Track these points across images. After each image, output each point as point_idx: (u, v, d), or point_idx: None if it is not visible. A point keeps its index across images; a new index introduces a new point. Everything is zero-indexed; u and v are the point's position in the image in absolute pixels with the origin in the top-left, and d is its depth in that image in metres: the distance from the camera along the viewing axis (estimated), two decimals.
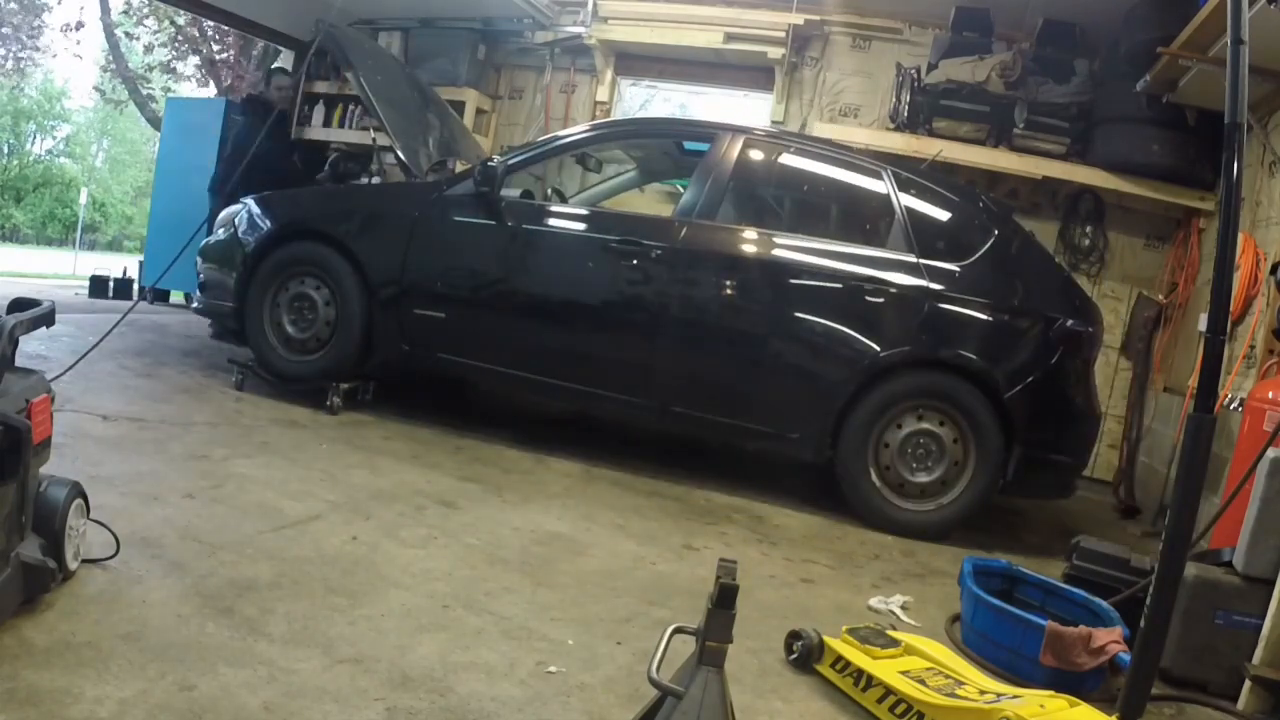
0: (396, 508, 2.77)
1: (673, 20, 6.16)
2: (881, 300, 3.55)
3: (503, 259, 3.88)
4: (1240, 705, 2.17)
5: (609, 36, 6.35)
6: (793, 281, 3.65)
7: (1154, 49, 4.33)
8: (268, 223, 4.12)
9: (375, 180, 6.11)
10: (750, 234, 3.81)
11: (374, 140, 6.19)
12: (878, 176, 3.84)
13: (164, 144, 7.88)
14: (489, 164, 3.85)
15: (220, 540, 2.23)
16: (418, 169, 4.29)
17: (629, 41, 6.35)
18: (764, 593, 2.58)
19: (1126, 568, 2.65)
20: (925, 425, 3.54)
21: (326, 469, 3.05)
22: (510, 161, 3.95)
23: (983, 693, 1.83)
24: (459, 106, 6.36)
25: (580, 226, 3.98)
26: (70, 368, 3.49)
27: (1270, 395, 3.05)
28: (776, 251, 3.74)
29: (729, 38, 6.02)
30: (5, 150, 31.90)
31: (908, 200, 3.76)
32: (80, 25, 19.04)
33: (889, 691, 1.86)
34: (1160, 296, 5.44)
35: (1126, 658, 2.02)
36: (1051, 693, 1.81)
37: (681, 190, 4.36)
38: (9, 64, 20.15)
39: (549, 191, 4.88)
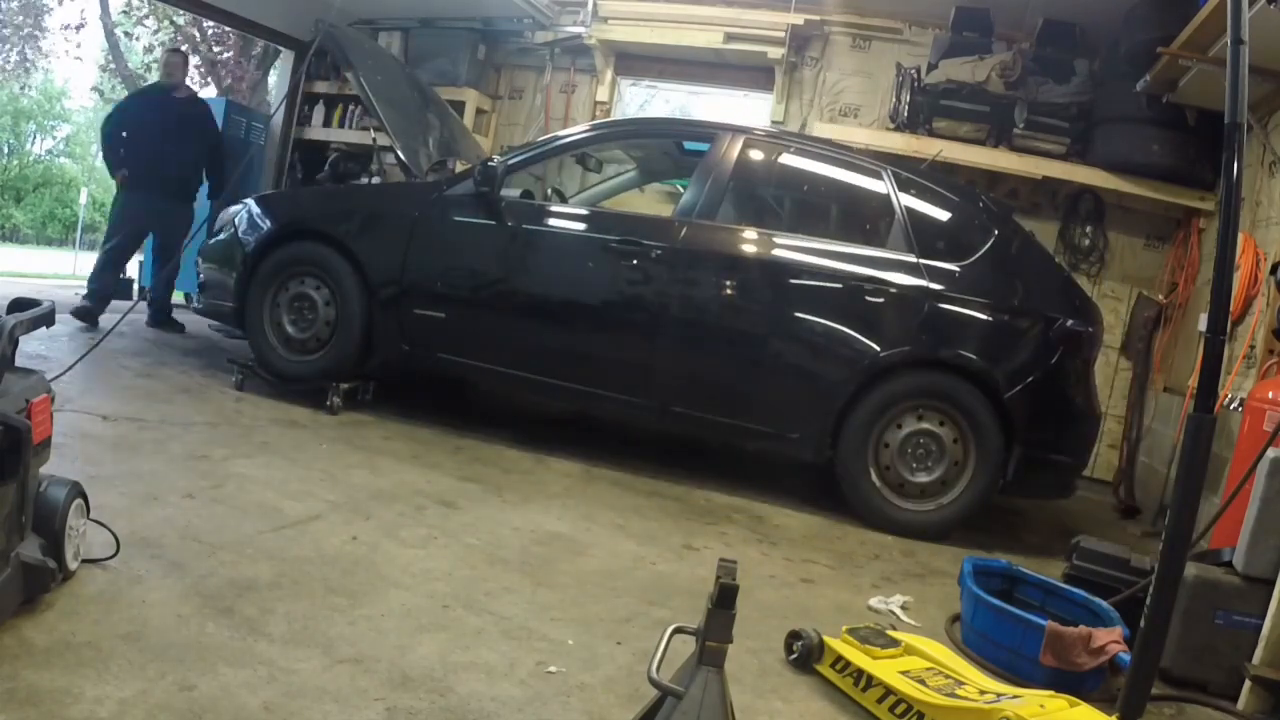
0: (396, 508, 2.77)
1: (673, 20, 6.17)
2: (881, 300, 3.55)
3: (503, 259, 3.88)
4: (1240, 705, 2.17)
5: (609, 36, 6.35)
6: (793, 281, 3.65)
7: (1154, 49, 4.33)
8: (268, 223, 4.13)
9: (375, 180, 6.12)
10: (750, 234, 3.81)
11: (374, 140, 6.19)
12: (878, 176, 3.84)
13: None
14: (489, 164, 3.85)
15: (220, 540, 2.23)
16: (418, 169, 4.29)
17: (629, 41, 6.36)
18: (764, 593, 2.58)
19: (1126, 568, 2.65)
20: (925, 425, 3.54)
21: (326, 469, 3.05)
22: (510, 161, 3.95)
23: (983, 693, 1.83)
24: (459, 106, 6.37)
25: (580, 226, 3.98)
26: (70, 368, 3.50)
27: (1270, 395, 3.05)
28: (776, 251, 3.74)
29: (729, 38, 6.02)
30: (5, 150, 31.89)
31: (908, 200, 3.76)
32: (81, 25, 19.04)
33: (889, 691, 1.86)
34: (1160, 296, 5.44)
35: (1126, 658, 2.02)
36: (1051, 693, 1.81)
37: (681, 190, 4.36)
38: (10, 64, 20.14)
39: (549, 191, 4.88)
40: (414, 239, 3.92)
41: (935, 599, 2.77)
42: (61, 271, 17.31)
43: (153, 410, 3.43)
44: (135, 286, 7.64)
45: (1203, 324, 4.18)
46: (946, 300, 3.55)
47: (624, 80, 6.76)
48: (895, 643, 2.07)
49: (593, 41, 6.37)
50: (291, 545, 2.30)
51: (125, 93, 15.73)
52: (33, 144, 32.98)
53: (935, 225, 3.81)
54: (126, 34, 15.23)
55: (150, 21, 13.94)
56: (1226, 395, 3.75)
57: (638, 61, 6.62)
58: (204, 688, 1.55)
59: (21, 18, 17.21)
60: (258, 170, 7.17)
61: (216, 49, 13.08)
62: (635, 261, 3.70)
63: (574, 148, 4.37)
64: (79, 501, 1.90)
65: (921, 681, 1.88)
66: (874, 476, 3.55)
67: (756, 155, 3.97)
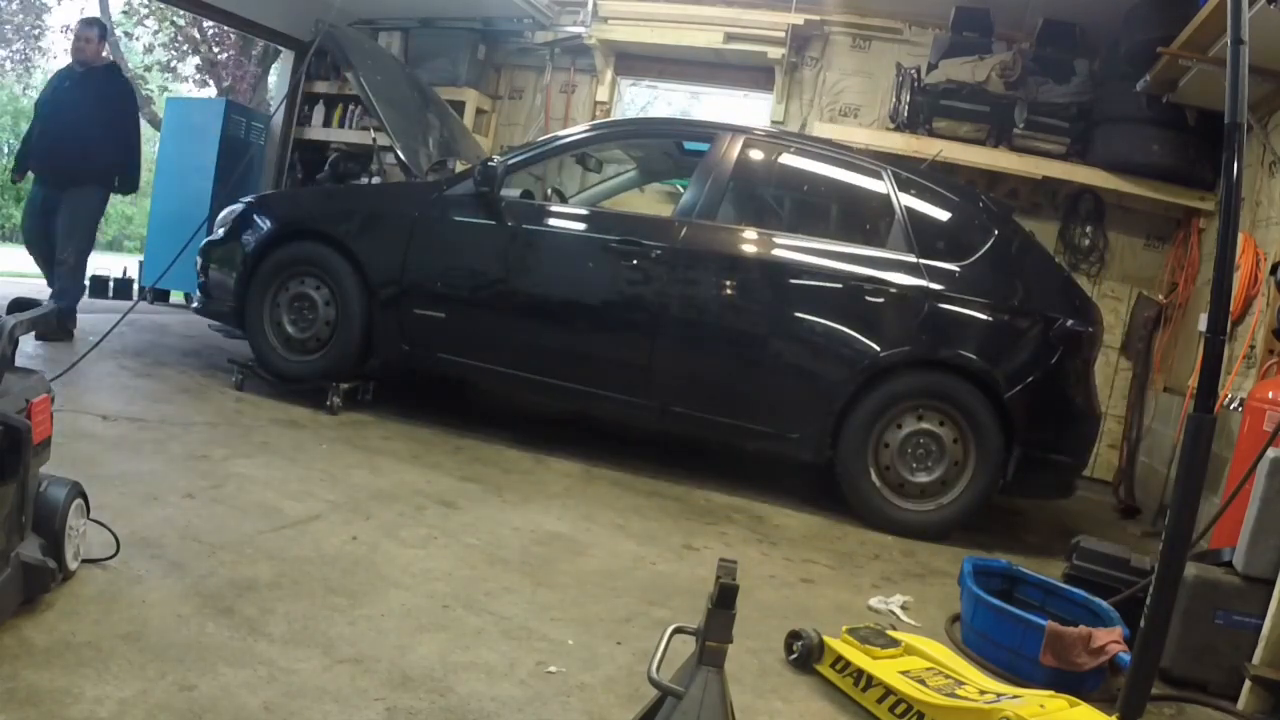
0: (396, 508, 2.77)
1: (673, 20, 6.16)
2: (881, 300, 3.55)
3: (503, 259, 3.87)
4: (1240, 705, 2.17)
5: (609, 36, 6.35)
6: (793, 281, 3.65)
7: (1154, 49, 4.33)
8: (268, 223, 4.13)
9: (375, 180, 6.12)
10: (750, 234, 3.81)
11: (374, 140, 6.20)
12: (878, 176, 3.84)
13: (164, 144, 7.87)
14: (489, 164, 3.85)
15: (220, 540, 2.23)
16: (418, 169, 4.29)
17: (629, 41, 6.36)
18: (764, 593, 2.58)
19: (1126, 568, 2.65)
20: (925, 425, 3.54)
21: (326, 469, 3.05)
22: (510, 161, 3.95)
23: (983, 693, 1.83)
24: (459, 106, 6.37)
25: (580, 226, 3.98)
26: (70, 368, 3.50)
27: (1270, 395, 3.05)
28: (776, 251, 3.74)
29: (729, 38, 6.02)
30: (5, 150, 31.86)
31: (908, 200, 3.76)
32: None
33: (889, 691, 1.86)
34: (1160, 296, 5.44)
35: (1126, 658, 2.02)
36: (1051, 693, 1.81)
37: (681, 190, 4.36)
38: (10, 64, 20.14)
39: (549, 191, 4.88)
40: (414, 239, 3.92)
41: (935, 599, 2.77)
42: None
43: (153, 410, 3.43)
44: (135, 286, 7.66)
45: (1203, 324, 4.18)
46: (946, 300, 3.55)
47: (624, 80, 6.76)
48: (895, 643, 2.07)
49: (593, 41, 6.37)
50: (291, 545, 2.30)
51: None
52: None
53: (935, 225, 3.81)
54: (126, 34, 15.23)
55: (150, 21, 13.95)
56: (1226, 395, 3.75)
57: (638, 61, 6.62)
58: (204, 688, 1.55)
59: (22, 17, 17.22)
60: (258, 170, 7.17)
61: (216, 49, 13.09)
62: (635, 261, 3.70)
63: (574, 148, 4.37)
64: (79, 501, 1.90)
65: (921, 681, 1.88)
66: (874, 476, 3.55)
67: (756, 155, 3.97)
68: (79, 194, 4.81)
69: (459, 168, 4.58)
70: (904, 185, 3.80)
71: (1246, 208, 4.39)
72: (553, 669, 1.86)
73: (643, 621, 2.20)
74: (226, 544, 2.22)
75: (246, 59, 12.55)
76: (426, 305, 3.90)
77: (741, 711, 1.60)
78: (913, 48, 5.95)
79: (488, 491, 3.14)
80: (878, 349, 3.52)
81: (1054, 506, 4.43)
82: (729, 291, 3.68)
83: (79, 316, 4.92)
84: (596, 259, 3.77)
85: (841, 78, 6.15)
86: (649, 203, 5.54)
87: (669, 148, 4.66)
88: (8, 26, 17.69)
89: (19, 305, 1.79)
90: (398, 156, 4.29)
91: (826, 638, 2.06)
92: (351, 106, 7.00)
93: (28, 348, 4.12)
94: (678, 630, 1.37)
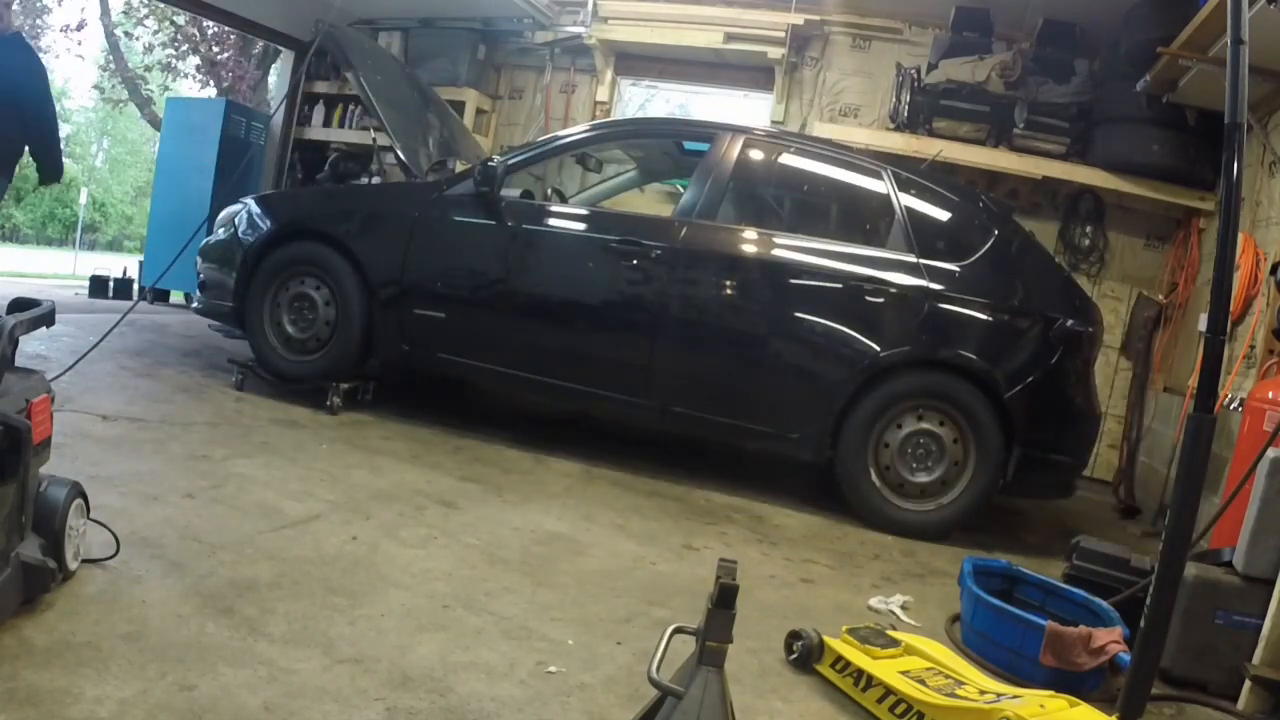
0: (396, 508, 2.77)
1: (673, 20, 6.17)
2: (881, 300, 3.55)
3: (503, 259, 3.87)
4: (1240, 705, 2.17)
5: (609, 36, 6.35)
6: (793, 281, 3.65)
7: (1154, 49, 4.33)
8: (268, 222, 4.13)
9: (375, 180, 6.12)
10: (750, 234, 3.81)
11: (374, 140, 6.20)
12: (878, 176, 3.84)
13: (164, 144, 7.88)
14: (489, 164, 3.85)
15: (220, 540, 2.23)
16: (418, 169, 4.29)
17: (629, 41, 6.36)
18: (764, 593, 2.58)
19: (1126, 568, 2.65)
20: (925, 425, 3.54)
21: (326, 469, 3.05)
22: (510, 161, 3.95)
23: (983, 693, 1.83)
24: (459, 106, 6.37)
25: (580, 226, 3.98)
26: (70, 368, 3.50)
27: (1270, 395, 3.05)
28: (776, 251, 3.74)
29: (729, 38, 6.02)
30: None
31: (908, 200, 3.76)
32: (81, 25, 19.05)
33: (889, 691, 1.86)
34: (1160, 296, 5.44)
35: (1126, 658, 2.02)
36: (1051, 693, 1.81)
37: (681, 190, 4.35)
38: None
39: (549, 191, 4.88)
40: (414, 239, 3.93)
41: (935, 599, 2.77)
42: (61, 271, 17.33)
43: (153, 410, 3.43)
44: (135, 286, 7.66)
45: (1203, 324, 4.18)
46: (946, 300, 3.55)
47: (624, 80, 6.76)
48: (895, 643, 2.07)
49: (593, 41, 6.38)
50: (291, 545, 2.30)
51: (125, 93, 15.75)
52: None
53: (935, 225, 3.81)
54: (126, 34, 15.24)
55: (150, 21, 13.95)
56: (1226, 395, 3.75)
57: (638, 61, 6.62)
58: (204, 688, 1.55)
59: (22, 18, 17.22)
60: (258, 170, 7.17)
61: (216, 49, 13.09)
62: (635, 261, 3.69)
63: (574, 148, 4.37)
64: (79, 501, 1.90)
65: (921, 681, 1.88)
66: (874, 476, 3.55)
67: (756, 155, 3.97)
68: None
69: (459, 168, 4.58)
70: (904, 185, 3.80)
71: (1246, 208, 4.39)
72: (553, 669, 1.86)
73: (643, 621, 2.20)
74: (226, 544, 2.22)
75: (246, 59, 12.55)
76: (426, 305, 3.90)
77: (741, 711, 1.60)
78: (913, 48, 5.95)
79: (488, 491, 3.14)
80: (878, 349, 3.52)
81: (1054, 506, 4.43)
82: (729, 291, 3.68)
83: (78, 317, 4.92)
84: (596, 259, 3.77)
85: (841, 78, 6.15)
86: (649, 203, 5.54)
87: (669, 148, 4.66)
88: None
89: (19, 305, 1.79)
90: (398, 156, 4.29)
91: (826, 638, 2.06)
92: (351, 106, 7.00)
93: (28, 348, 4.12)
94: (678, 630, 1.37)
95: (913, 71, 5.62)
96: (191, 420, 3.41)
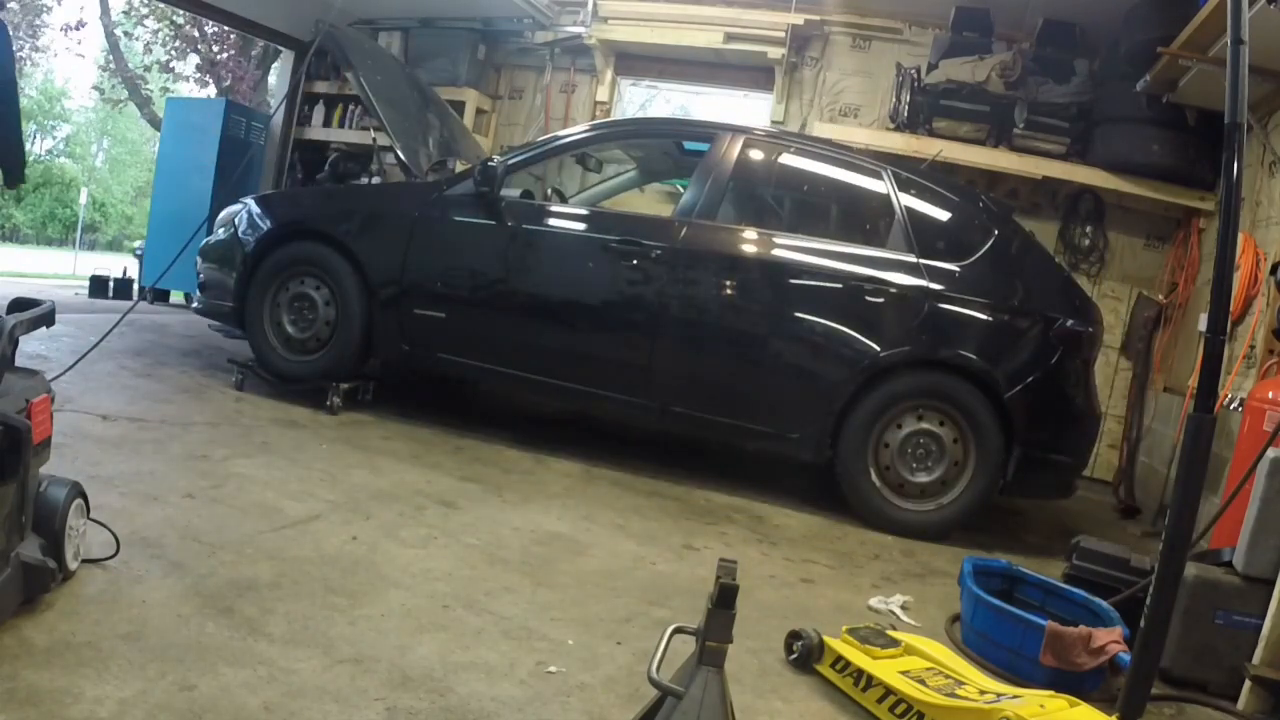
0: (396, 508, 2.77)
1: (673, 20, 6.17)
2: (881, 300, 3.55)
3: (503, 259, 3.87)
4: (1240, 705, 2.17)
5: (609, 36, 6.35)
6: (793, 281, 3.65)
7: (1154, 49, 4.33)
8: (268, 222, 4.12)
9: (375, 180, 6.12)
10: (750, 234, 3.81)
11: (374, 140, 6.20)
12: (878, 176, 3.84)
13: (164, 144, 7.88)
14: (489, 164, 3.85)
15: (220, 540, 2.23)
16: (418, 169, 4.29)
17: (629, 41, 6.36)
18: (764, 593, 2.58)
19: (1126, 568, 2.65)
20: (925, 425, 3.54)
21: (326, 469, 3.05)
22: (510, 161, 3.95)
23: (983, 693, 1.83)
24: (459, 106, 6.37)
25: (580, 226, 3.98)
26: (70, 368, 3.50)
27: (1270, 395, 3.05)
28: (776, 251, 3.74)
29: (729, 38, 6.02)
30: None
31: (908, 200, 3.76)
32: (81, 25, 19.05)
33: (889, 691, 1.86)
34: (1160, 296, 5.44)
35: (1126, 658, 2.02)
36: (1051, 693, 1.81)
37: (681, 190, 4.35)
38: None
39: (549, 191, 4.88)
40: (414, 239, 3.92)
41: (935, 599, 2.77)
42: (61, 271, 17.33)
43: (153, 410, 3.43)
44: (135, 286, 7.67)
45: (1203, 324, 4.18)
46: (946, 300, 3.55)
47: (624, 80, 6.76)
48: (895, 643, 2.07)
49: (593, 41, 6.38)
50: (291, 545, 2.30)
51: (125, 92, 15.75)
52: (33, 144, 32.95)
53: (935, 225, 3.81)
54: (126, 34, 15.24)
55: (150, 21, 13.95)
56: (1226, 395, 3.75)
57: (638, 61, 6.62)
58: (204, 688, 1.55)
59: (22, 17, 17.22)
60: (258, 170, 7.18)
61: (216, 49, 13.09)
62: (635, 261, 3.69)
63: (574, 148, 4.37)
64: (79, 501, 1.90)
65: (921, 681, 1.88)
66: (874, 476, 3.55)
67: (756, 155, 3.97)
68: None
69: (459, 168, 4.58)
70: (904, 185, 3.80)
71: (1246, 208, 4.39)
72: (553, 669, 1.86)
73: (643, 621, 2.20)
74: (226, 544, 2.22)
75: (246, 59, 12.55)
76: (426, 305, 3.90)
77: (741, 711, 1.60)
78: (913, 48, 5.95)
79: (488, 491, 3.14)
80: (878, 349, 3.52)
81: (1054, 506, 4.43)
82: (729, 291, 3.68)
83: (78, 317, 4.91)
84: (596, 259, 3.77)
85: (841, 78, 6.15)
86: (649, 203, 5.53)
87: (669, 148, 4.66)
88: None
89: (19, 305, 1.79)
90: (398, 156, 4.29)
91: (826, 638, 2.06)
92: (351, 106, 7.00)
93: (28, 348, 4.12)
94: (678, 630, 1.37)
95: (913, 71, 5.62)
96: (191, 420, 3.40)
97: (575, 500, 3.22)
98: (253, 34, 8.67)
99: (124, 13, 14.81)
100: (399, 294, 3.91)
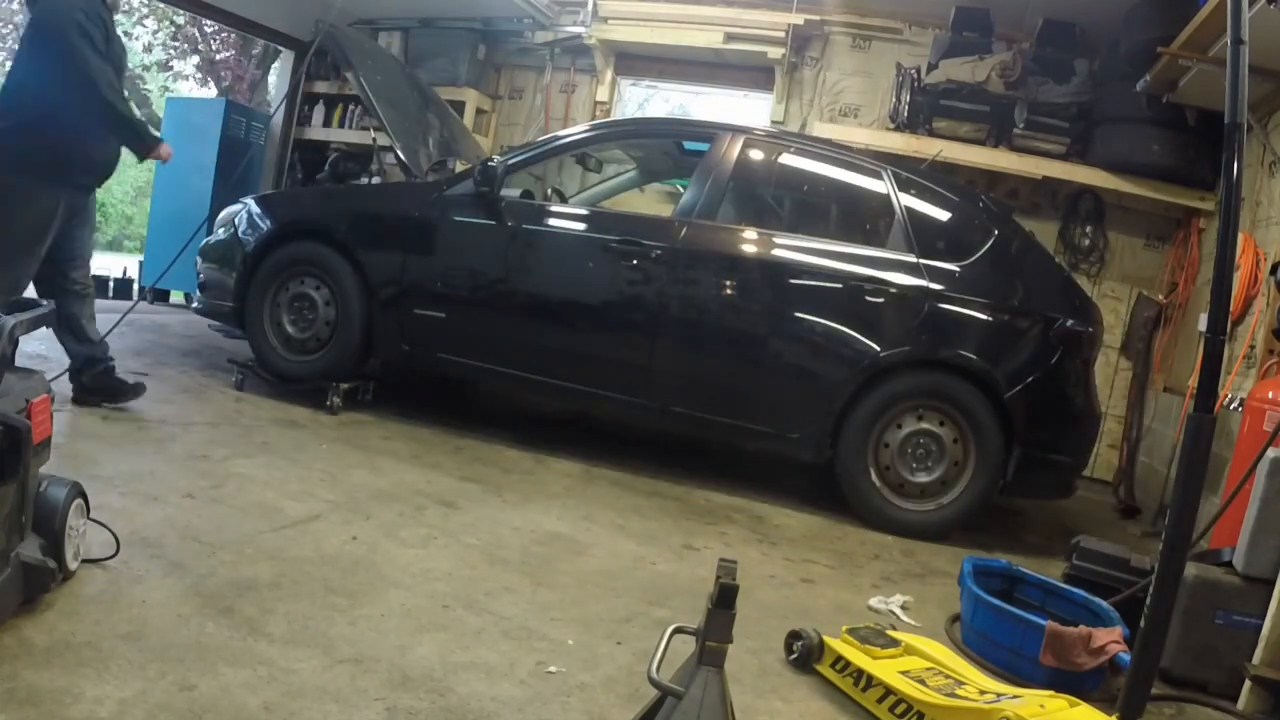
0: (396, 508, 2.77)
1: (673, 20, 6.16)
2: (881, 300, 3.55)
3: (503, 259, 3.87)
4: (1240, 705, 2.17)
5: (609, 36, 6.35)
6: (793, 281, 3.65)
7: (1154, 49, 4.33)
8: (267, 222, 4.12)
9: (375, 180, 6.12)
10: (750, 234, 3.81)
11: (374, 140, 6.20)
12: (878, 176, 3.84)
13: None
14: (489, 164, 3.85)
15: (220, 540, 2.23)
16: (418, 169, 4.29)
17: (629, 41, 6.35)
18: (764, 593, 2.58)
19: (1126, 568, 2.65)
20: (925, 425, 3.54)
21: (326, 469, 3.05)
22: (510, 161, 3.95)
23: (983, 693, 1.83)
24: (459, 106, 6.37)
25: (580, 226, 3.98)
26: (70, 368, 3.49)
27: (1270, 395, 3.05)
28: (776, 251, 3.74)
29: (729, 38, 6.02)
30: None
31: (908, 200, 3.76)
32: None
33: (889, 691, 1.86)
34: (1160, 296, 5.44)
35: (1126, 658, 2.02)
36: (1051, 693, 1.81)
37: (681, 190, 4.35)
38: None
39: (549, 191, 4.88)
40: (414, 239, 3.93)
41: (935, 599, 2.77)
42: None
43: (153, 410, 3.43)
44: (135, 286, 7.66)
45: (1203, 324, 4.18)
46: (946, 300, 3.55)
47: (624, 80, 6.76)
48: (895, 643, 2.07)
49: (593, 41, 6.37)
50: (291, 545, 2.30)
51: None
52: None
53: (935, 225, 3.81)
54: (126, 33, 15.23)
55: (150, 21, 13.95)
56: (1226, 395, 3.75)
57: (638, 61, 6.62)
58: (204, 688, 1.55)
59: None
60: (258, 170, 7.17)
61: (216, 48, 13.09)
62: (635, 261, 3.69)
63: (574, 148, 4.37)
64: (79, 501, 1.90)
65: (921, 681, 1.88)
66: (874, 476, 3.55)
67: (756, 155, 3.97)
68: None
69: (459, 168, 4.58)
70: (904, 185, 3.80)
71: (1246, 208, 4.39)
72: (553, 669, 1.86)
73: (643, 621, 2.20)
74: (226, 544, 2.22)
75: (246, 59, 12.55)
76: (426, 305, 3.90)
77: (741, 711, 1.60)
78: (913, 48, 5.95)
79: (488, 491, 3.14)
80: (878, 349, 3.52)
81: (1054, 506, 4.43)
82: (729, 291, 3.68)
83: None
84: (596, 259, 3.77)
85: (841, 78, 6.15)
86: (649, 203, 5.53)
87: (669, 148, 4.65)
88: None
89: (19, 305, 1.79)
90: (398, 156, 4.29)
91: (826, 638, 2.06)
92: (351, 106, 7.00)
93: (28, 348, 4.12)
94: (678, 630, 1.37)
95: (913, 71, 5.62)
96: (191, 420, 3.41)
97: (575, 500, 3.22)
98: (253, 34, 8.66)
99: (124, 12, 14.81)
100: (399, 294, 3.91)
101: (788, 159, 4.07)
